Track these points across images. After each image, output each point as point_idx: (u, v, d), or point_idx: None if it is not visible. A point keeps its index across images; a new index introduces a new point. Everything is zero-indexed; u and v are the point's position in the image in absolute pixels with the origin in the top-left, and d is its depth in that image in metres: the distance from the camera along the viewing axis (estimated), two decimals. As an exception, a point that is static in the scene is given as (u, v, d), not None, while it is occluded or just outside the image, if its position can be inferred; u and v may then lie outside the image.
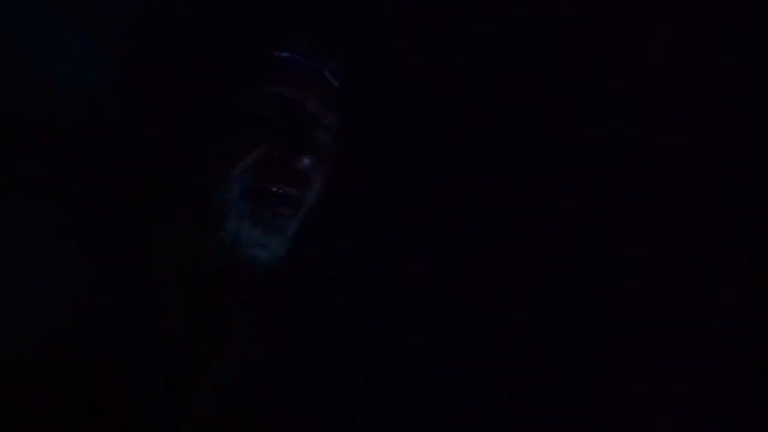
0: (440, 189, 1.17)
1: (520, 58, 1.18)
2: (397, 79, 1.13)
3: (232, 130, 0.88)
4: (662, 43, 1.17)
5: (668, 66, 1.17)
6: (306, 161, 0.88)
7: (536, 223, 1.18)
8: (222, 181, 0.87)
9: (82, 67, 0.90)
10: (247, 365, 0.91)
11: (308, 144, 0.89)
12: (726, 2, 1.14)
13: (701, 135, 1.16)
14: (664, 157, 1.17)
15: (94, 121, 0.88)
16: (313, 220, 0.94)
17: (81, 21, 0.91)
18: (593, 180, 1.18)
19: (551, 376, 1.13)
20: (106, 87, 0.90)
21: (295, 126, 0.89)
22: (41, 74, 0.88)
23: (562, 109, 1.19)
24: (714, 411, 1.10)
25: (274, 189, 0.87)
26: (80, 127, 0.88)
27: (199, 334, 0.85)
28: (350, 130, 0.98)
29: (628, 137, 1.18)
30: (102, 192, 0.85)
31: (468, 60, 1.18)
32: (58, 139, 0.87)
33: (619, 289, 1.15)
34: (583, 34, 1.18)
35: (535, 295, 1.16)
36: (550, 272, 1.17)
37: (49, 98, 0.88)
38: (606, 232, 1.17)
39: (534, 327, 1.15)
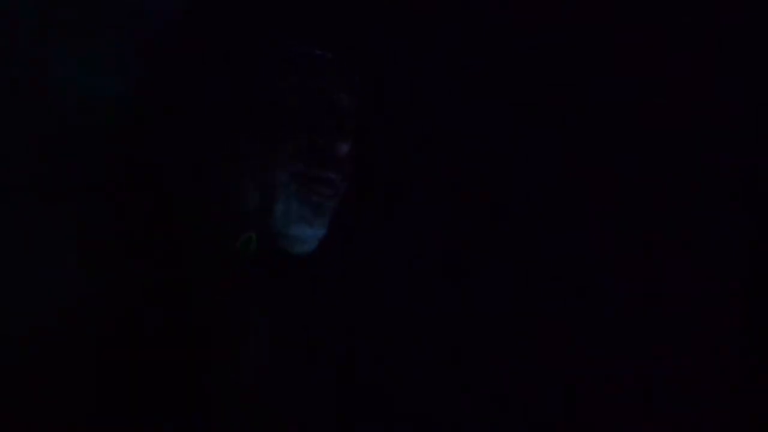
0: (453, 185, 1.18)
1: (528, 57, 1.18)
2: (415, 81, 1.15)
3: (281, 121, 0.94)
4: (662, 43, 1.17)
5: (668, 65, 1.17)
6: (346, 148, 0.96)
7: (535, 221, 1.18)
8: (273, 165, 0.93)
9: (124, 67, 0.92)
10: (264, 364, 0.92)
11: (346, 133, 0.97)
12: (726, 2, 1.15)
13: (701, 134, 1.16)
14: (664, 157, 1.17)
15: (129, 119, 0.91)
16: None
17: (114, 21, 0.93)
18: (592, 180, 1.18)
19: (551, 375, 1.13)
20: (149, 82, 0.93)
21: (336, 118, 0.96)
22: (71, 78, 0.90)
23: (562, 108, 1.19)
24: (714, 411, 1.10)
25: (320, 173, 0.95)
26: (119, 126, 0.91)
27: (217, 333, 0.87)
28: (367, 129, 1.02)
29: (628, 137, 1.18)
30: (131, 188, 0.88)
31: (466, 54, 1.18)
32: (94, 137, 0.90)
33: (620, 291, 1.15)
34: (584, 34, 1.18)
35: (534, 294, 1.16)
36: (549, 271, 1.17)
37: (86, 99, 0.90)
38: (606, 231, 1.17)
39: (533, 327, 1.15)
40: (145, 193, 0.89)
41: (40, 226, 0.82)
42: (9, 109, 0.86)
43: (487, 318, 1.14)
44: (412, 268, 1.15)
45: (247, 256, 0.92)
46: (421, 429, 1.09)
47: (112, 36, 0.93)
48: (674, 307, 1.13)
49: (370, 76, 1.01)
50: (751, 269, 1.14)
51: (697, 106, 1.15)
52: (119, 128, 0.91)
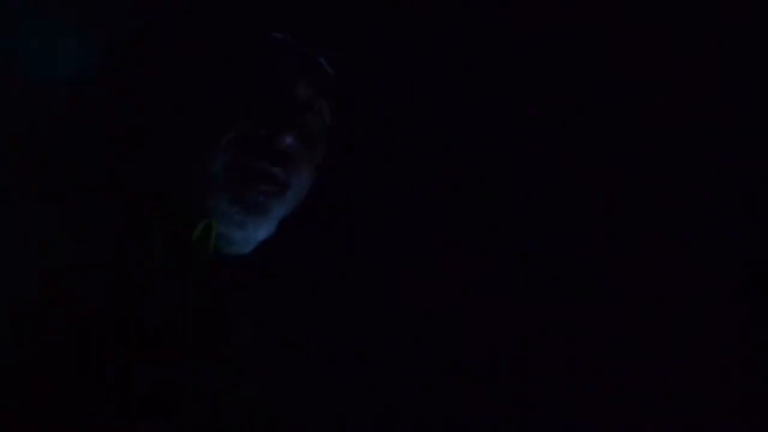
0: (453, 185, 1.17)
1: (528, 57, 1.18)
2: (394, 71, 1.14)
3: (219, 107, 0.88)
4: (662, 43, 1.17)
5: (668, 65, 1.17)
6: (288, 140, 0.88)
7: (535, 221, 1.18)
8: (205, 154, 0.87)
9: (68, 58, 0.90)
10: (245, 363, 0.91)
11: (293, 124, 0.89)
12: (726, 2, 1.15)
13: (701, 134, 1.16)
14: (664, 157, 1.17)
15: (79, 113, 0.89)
16: (307, 213, 0.95)
17: (70, 16, 0.92)
18: (592, 180, 1.18)
19: (551, 375, 1.13)
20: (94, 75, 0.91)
21: (282, 106, 0.89)
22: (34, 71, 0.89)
23: (562, 108, 1.19)
24: (714, 411, 1.10)
25: (257, 165, 0.87)
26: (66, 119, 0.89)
27: (196, 332, 0.85)
28: (344, 120, 0.98)
29: (628, 137, 1.18)
30: (91, 186, 0.86)
31: (467, 54, 1.18)
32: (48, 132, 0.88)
33: (620, 291, 1.15)
34: (584, 34, 1.18)
35: (534, 294, 1.16)
36: (549, 271, 1.17)
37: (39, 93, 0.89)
38: (606, 231, 1.17)
39: (533, 327, 1.15)
40: (142, 192, 0.88)
41: (40, 226, 0.82)
42: (8, 108, 0.86)
43: (487, 318, 1.14)
44: (412, 268, 1.15)
45: (209, 245, 0.87)
46: (421, 429, 1.09)
47: (110, 36, 0.93)
48: (674, 307, 1.13)
49: (370, 76, 1.00)
50: (751, 269, 1.14)
51: (697, 106, 1.15)
52: (116, 127, 0.90)
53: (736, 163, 1.15)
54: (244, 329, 0.91)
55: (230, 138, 0.87)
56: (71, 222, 0.82)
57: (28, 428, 0.75)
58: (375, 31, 1.10)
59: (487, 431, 1.10)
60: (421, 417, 1.08)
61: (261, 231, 0.91)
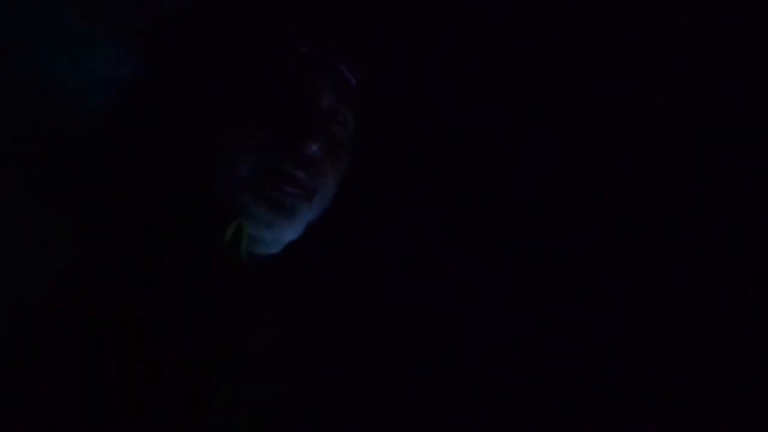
0: (453, 185, 1.18)
1: (528, 57, 1.18)
2: (415, 81, 1.15)
3: (247, 113, 0.91)
4: (662, 43, 1.17)
5: (668, 65, 1.17)
6: (314, 148, 0.90)
7: (535, 221, 1.18)
8: (233, 157, 0.89)
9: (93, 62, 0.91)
10: (246, 362, 0.91)
11: (318, 132, 0.92)
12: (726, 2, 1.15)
13: (701, 134, 1.16)
14: (664, 157, 1.17)
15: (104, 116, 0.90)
16: (330, 219, 0.96)
17: (113, 20, 0.93)
18: (592, 180, 1.18)
19: (551, 375, 1.13)
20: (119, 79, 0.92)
21: (308, 115, 0.92)
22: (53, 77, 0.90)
23: (562, 108, 1.19)
24: (714, 411, 1.10)
25: (283, 169, 0.90)
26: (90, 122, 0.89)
27: (197, 331, 0.85)
28: (367, 129, 1.00)
29: (628, 137, 1.18)
30: (92, 187, 0.86)
31: (467, 54, 1.18)
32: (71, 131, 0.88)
33: (620, 291, 1.15)
34: (584, 34, 1.18)
35: (534, 294, 1.16)
36: (549, 271, 1.17)
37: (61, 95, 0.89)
38: (606, 231, 1.17)
39: (533, 327, 1.15)
40: (143, 193, 0.88)
41: (41, 226, 0.82)
42: (7, 108, 0.86)
43: (486, 318, 1.14)
44: (412, 268, 1.15)
45: (241, 247, 0.89)
46: (421, 429, 1.09)
47: (111, 35, 0.93)
48: (674, 307, 1.13)
49: (370, 76, 1.01)
50: (751, 269, 1.14)
51: (697, 106, 1.15)
52: (118, 128, 0.91)
53: (736, 163, 1.15)
54: (246, 328, 0.92)
55: (258, 142, 0.90)
56: (71, 222, 0.83)
57: (28, 428, 0.75)
58: (375, 31, 1.10)
59: (487, 431, 1.10)
60: (421, 417, 1.08)
61: (289, 233, 0.94)
